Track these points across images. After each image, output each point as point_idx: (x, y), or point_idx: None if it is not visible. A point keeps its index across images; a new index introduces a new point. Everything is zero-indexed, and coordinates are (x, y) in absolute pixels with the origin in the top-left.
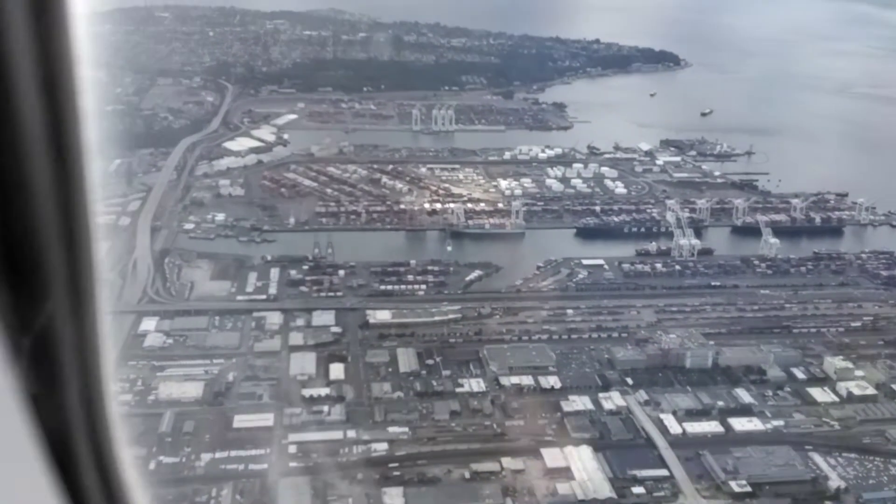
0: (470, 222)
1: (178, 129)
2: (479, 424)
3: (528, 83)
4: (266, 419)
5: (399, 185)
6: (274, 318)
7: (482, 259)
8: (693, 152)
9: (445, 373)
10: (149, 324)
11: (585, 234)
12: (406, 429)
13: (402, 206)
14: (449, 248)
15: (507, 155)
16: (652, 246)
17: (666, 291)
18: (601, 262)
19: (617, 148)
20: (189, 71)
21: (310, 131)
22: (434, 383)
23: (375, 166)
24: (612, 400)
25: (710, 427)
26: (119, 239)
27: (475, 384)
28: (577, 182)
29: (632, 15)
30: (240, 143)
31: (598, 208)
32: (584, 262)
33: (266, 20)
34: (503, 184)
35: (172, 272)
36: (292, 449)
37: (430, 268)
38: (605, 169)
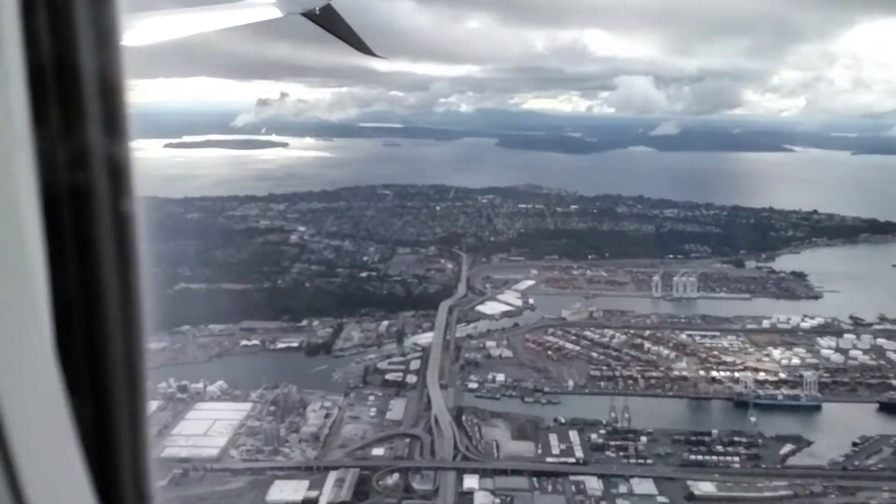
0: (760, 392)
1: (433, 293)
2: None
3: (754, 252)
4: None
5: (664, 351)
6: (593, 483)
7: (786, 432)
8: None
9: None
10: (471, 481)
11: (891, 409)
12: None
13: (679, 373)
14: (753, 420)
15: (766, 323)
16: None
17: None
18: None
19: (883, 319)
20: (424, 241)
21: (551, 297)
22: None
23: (631, 332)
24: None
25: None
26: (412, 396)
27: None
28: (856, 353)
29: (830, 186)
30: (491, 308)
31: (894, 382)
32: None
33: (478, 195)
34: (775, 353)
35: (473, 430)
36: None
37: (735, 439)
38: (881, 340)
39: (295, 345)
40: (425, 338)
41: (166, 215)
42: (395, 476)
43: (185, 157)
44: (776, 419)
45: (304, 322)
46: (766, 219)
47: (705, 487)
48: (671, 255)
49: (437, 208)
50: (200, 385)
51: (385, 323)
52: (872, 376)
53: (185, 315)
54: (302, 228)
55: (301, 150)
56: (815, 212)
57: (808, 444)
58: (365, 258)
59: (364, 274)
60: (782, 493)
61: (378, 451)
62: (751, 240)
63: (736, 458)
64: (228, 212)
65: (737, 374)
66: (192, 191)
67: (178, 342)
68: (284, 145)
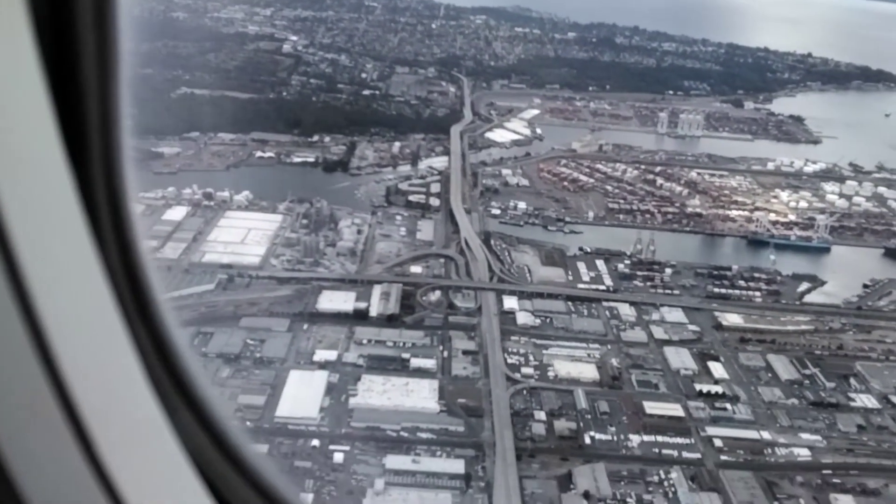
0: (774, 232)
1: (441, 117)
2: (892, 442)
3: (752, 93)
4: (675, 409)
5: (677, 187)
6: (625, 310)
7: (802, 271)
8: None
9: (830, 385)
10: (511, 302)
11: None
12: (819, 437)
13: (694, 210)
14: (772, 258)
15: (771, 165)
16: None
17: None
18: None
19: (881, 167)
20: (423, 61)
21: (556, 127)
22: (823, 395)
23: (642, 167)
24: None
25: None
26: (438, 218)
27: (866, 400)
28: (859, 200)
29: (811, 27)
30: (500, 135)
31: None
32: None
33: (469, 14)
34: (783, 195)
35: (504, 255)
36: (717, 443)
37: (756, 275)
38: (882, 189)
39: (311, 160)
40: (439, 161)
41: (148, 12)
42: (438, 293)
43: None
44: (789, 258)
45: (316, 137)
46: (763, 59)
47: (732, 319)
48: (671, 91)
49: (433, 26)
50: (226, 194)
51: (397, 144)
52: (877, 223)
53: (192, 121)
54: (294, 38)
55: None
56: (809, 55)
57: (823, 283)
58: (364, 75)
59: (367, 92)
60: (804, 327)
61: (416, 269)
62: (748, 80)
63: (757, 293)
64: (212, 13)
65: (749, 213)
66: None
67: (191, 149)
68: None
